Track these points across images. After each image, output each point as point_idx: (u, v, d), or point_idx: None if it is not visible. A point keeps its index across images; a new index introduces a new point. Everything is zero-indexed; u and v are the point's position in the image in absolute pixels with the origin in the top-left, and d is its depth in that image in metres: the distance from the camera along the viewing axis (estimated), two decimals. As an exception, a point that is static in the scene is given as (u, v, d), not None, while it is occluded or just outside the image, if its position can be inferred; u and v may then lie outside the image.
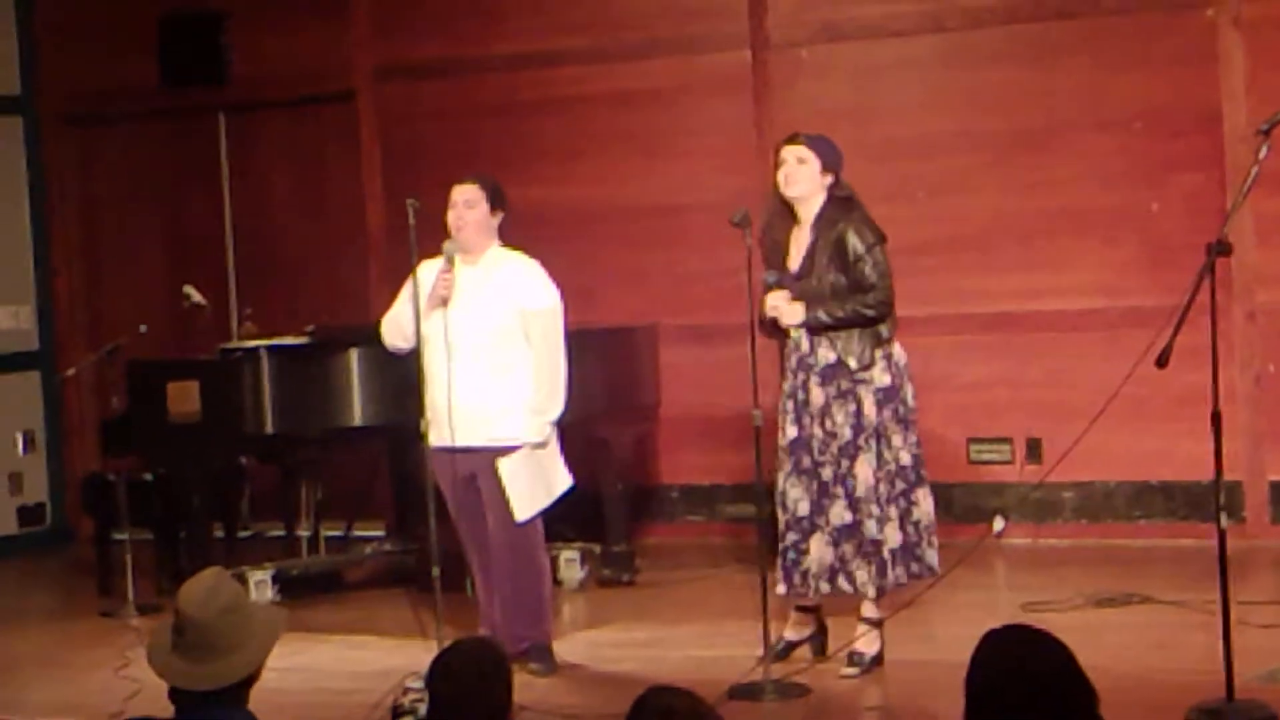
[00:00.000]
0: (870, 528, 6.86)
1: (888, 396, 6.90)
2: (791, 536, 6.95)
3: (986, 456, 9.71)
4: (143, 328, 9.35)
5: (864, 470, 6.86)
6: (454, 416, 7.13)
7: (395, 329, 7.41)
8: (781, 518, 7.03)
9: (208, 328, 9.93)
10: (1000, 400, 9.66)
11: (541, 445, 7.26)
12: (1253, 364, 9.23)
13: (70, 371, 10.32)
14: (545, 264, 7.45)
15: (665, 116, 10.28)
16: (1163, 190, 9.33)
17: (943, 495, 9.65)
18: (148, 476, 9.28)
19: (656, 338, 9.48)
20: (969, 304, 9.71)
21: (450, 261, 7.22)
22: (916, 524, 6.97)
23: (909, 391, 6.98)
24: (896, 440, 6.93)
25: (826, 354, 6.88)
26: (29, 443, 11.52)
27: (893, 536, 6.90)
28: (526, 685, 6.73)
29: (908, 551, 6.95)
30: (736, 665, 6.93)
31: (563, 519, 8.11)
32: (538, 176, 10.19)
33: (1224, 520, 6.03)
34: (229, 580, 3.95)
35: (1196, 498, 9.12)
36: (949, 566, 7.70)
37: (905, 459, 6.94)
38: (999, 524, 9.54)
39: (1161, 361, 5.95)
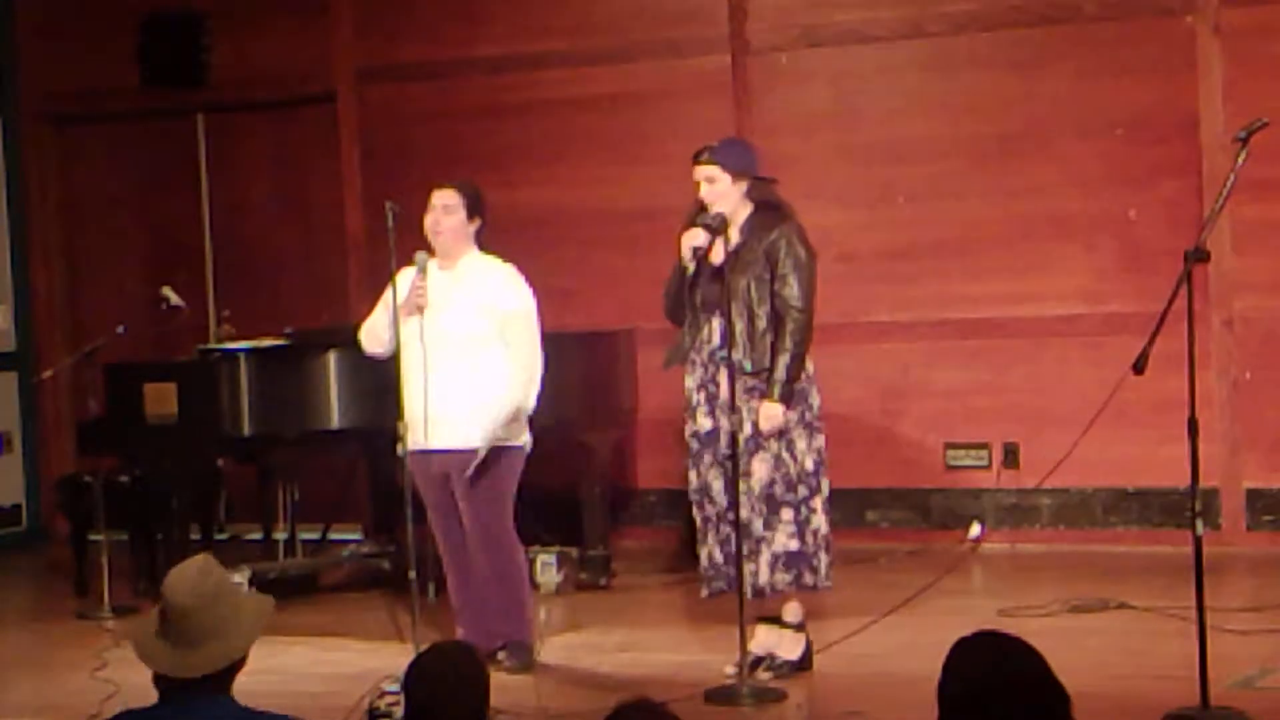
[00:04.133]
0: (756, 526, 6.81)
1: (795, 399, 6.83)
2: (724, 530, 6.90)
3: (964, 462, 9.72)
4: (120, 329, 9.33)
5: (761, 468, 6.81)
6: (429, 420, 7.15)
7: (372, 337, 7.43)
8: (706, 511, 6.96)
9: (186, 329, 9.92)
10: (978, 406, 9.68)
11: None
12: (1229, 371, 9.25)
13: (48, 373, 10.29)
14: (524, 267, 7.44)
15: (646, 120, 10.29)
16: (1142, 197, 9.35)
17: (920, 501, 9.74)
18: (124, 478, 9.26)
19: (634, 341, 9.48)
20: (948, 309, 9.72)
21: (423, 271, 7.22)
22: (815, 533, 6.87)
23: (816, 398, 6.91)
24: (801, 444, 6.85)
25: (734, 353, 6.86)
26: (5, 444, 11.50)
27: (783, 541, 6.82)
28: (502, 688, 6.72)
29: (802, 559, 6.85)
30: (712, 669, 6.93)
31: (540, 522, 8.11)
32: (518, 179, 10.20)
33: (1200, 526, 6.04)
34: (216, 567, 3.94)
35: (1173, 504, 9.15)
36: (928, 574, 7.74)
37: (809, 464, 6.86)
38: (976, 530, 9.57)
39: (1139, 368, 5.96)
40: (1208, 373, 9.03)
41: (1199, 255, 6.14)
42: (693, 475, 7.01)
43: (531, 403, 7.25)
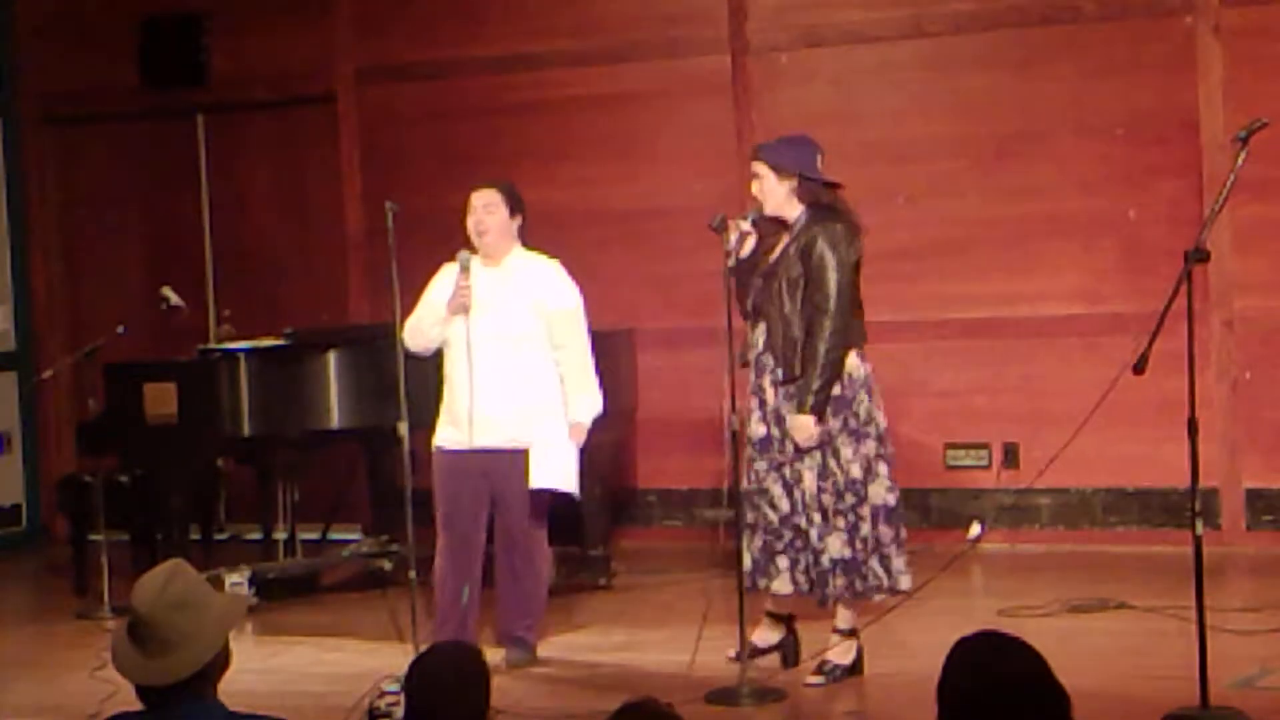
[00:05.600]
0: (812, 534, 6.80)
1: (837, 406, 6.76)
2: (786, 534, 6.85)
3: (964, 462, 9.72)
4: (121, 329, 9.33)
5: (808, 475, 6.79)
6: (474, 419, 7.15)
7: (417, 335, 7.40)
8: (760, 512, 6.94)
9: (186, 329, 9.91)
10: (978, 406, 9.68)
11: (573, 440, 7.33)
12: (1229, 371, 9.25)
13: (48, 373, 10.29)
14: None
15: (645, 120, 10.29)
16: (1142, 197, 9.35)
17: (919, 501, 9.72)
18: (124, 478, 9.26)
19: (634, 341, 9.48)
20: (948, 309, 9.72)
21: (466, 270, 7.24)
22: (865, 540, 6.81)
23: (864, 404, 6.81)
24: (846, 452, 6.78)
25: (767, 358, 6.88)
26: (5, 444, 11.49)
27: (836, 548, 6.78)
28: (503, 689, 6.73)
29: (854, 567, 6.80)
30: (713, 669, 6.93)
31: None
32: (517, 180, 10.06)
33: (1199, 526, 6.04)
34: (184, 573, 3.89)
35: (1172, 504, 9.15)
36: (928, 574, 7.72)
37: (855, 472, 6.78)
38: (976, 530, 9.56)
39: (1139, 368, 5.96)
40: (1208, 373, 9.03)
41: (1199, 255, 6.14)
42: (752, 474, 6.97)
43: (599, 405, 7.42)
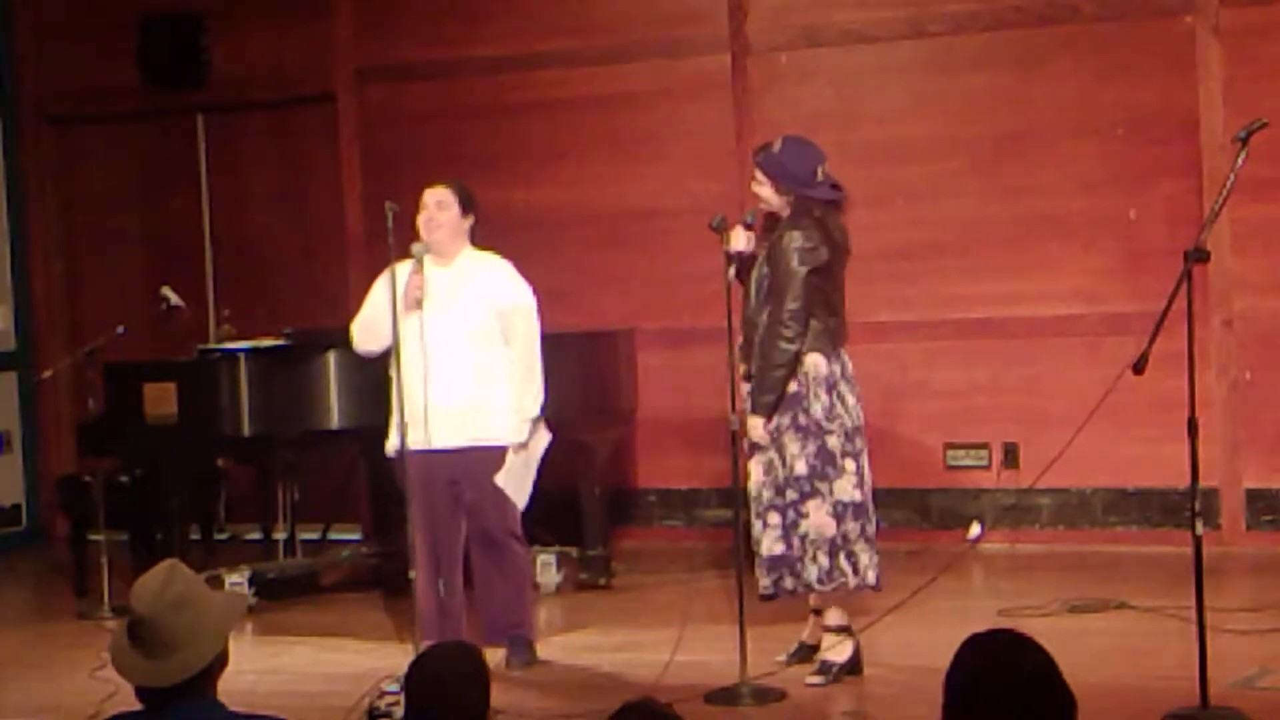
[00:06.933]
0: (755, 527, 6.87)
1: (788, 403, 6.80)
2: (756, 525, 7.00)
3: (964, 462, 9.72)
4: (120, 328, 9.33)
5: (754, 471, 6.86)
6: (431, 419, 7.14)
7: (370, 332, 7.37)
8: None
9: (185, 329, 9.91)
10: (978, 406, 9.67)
11: (523, 445, 7.28)
12: (1229, 370, 9.25)
13: (47, 373, 10.29)
14: (524, 267, 7.46)
15: (645, 120, 10.29)
16: (1142, 197, 9.35)
17: (919, 501, 9.73)
18: (124, 478, 9.26)
19: (634, 341, 9.48)
20: (948, 309, 9.72)
21: (420, 263, 7.22)
22: (803, 537, 6.80)
23: (821, 401, 6.81)
24: (793, 449, 6.79)
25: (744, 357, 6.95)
26: (5, 443, 11.49)
27: (769, 545, 6.83)
28: (503, 689, 6.73)
29: (786, 564, 6.82)
30: (713, 669, 6.93)
31: (540, 522, 8.11)
32: (518, 179, 10.20)
33: (1199, 526, 6.04)
34: (182, 573, 3.90)
35: (1172, 504, 9.15)
36: (928, 574, 7.73)
37: (800, 468, 6.79)
38: (976, 530, 9.56)
39: (1138, 368, 5.96)
40: (1207, 373, 9.03)
41: (1199, 255, 6.15)
42: None
43: (539, 403, 7.27)
